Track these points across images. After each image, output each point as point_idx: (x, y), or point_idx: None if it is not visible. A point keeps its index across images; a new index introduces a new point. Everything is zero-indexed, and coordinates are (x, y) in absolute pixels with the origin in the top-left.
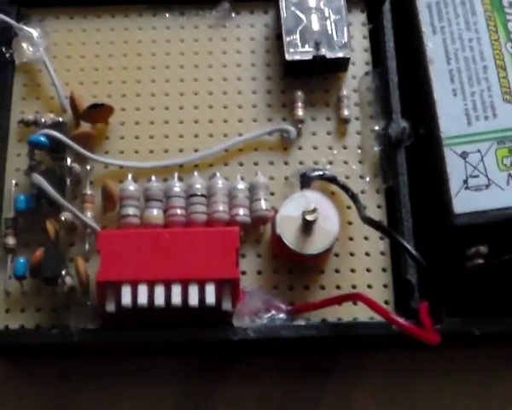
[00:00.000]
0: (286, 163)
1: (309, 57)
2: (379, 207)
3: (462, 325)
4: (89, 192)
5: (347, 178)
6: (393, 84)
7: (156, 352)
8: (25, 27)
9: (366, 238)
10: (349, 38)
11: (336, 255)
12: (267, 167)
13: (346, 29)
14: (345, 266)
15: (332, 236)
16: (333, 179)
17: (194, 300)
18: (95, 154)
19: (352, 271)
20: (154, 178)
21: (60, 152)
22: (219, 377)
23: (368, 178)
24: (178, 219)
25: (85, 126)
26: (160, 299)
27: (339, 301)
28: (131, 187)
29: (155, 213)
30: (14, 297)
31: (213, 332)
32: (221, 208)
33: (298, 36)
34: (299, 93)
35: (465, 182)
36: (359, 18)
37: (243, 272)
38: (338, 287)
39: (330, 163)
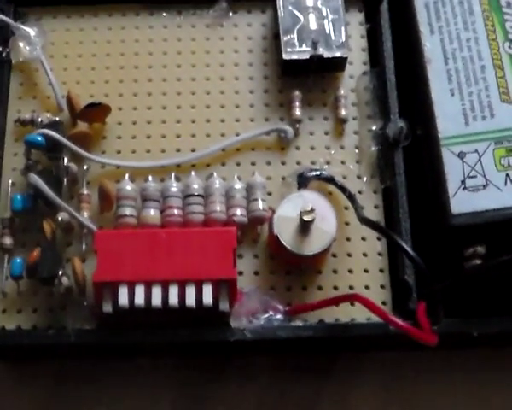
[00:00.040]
0: (283, 163)
1: (306, 57)
2: (376, 207)
3: (459, 325)
4: (85, 192)
5: (345, 178)
6: (391, 84)
7: (153, 353)
8: (22, 26)
9: (363, 239)
10: (347, 37)
11: (334, 256)
12: (264, 167)
13: (343, 28)
14: (342, 267)
15: (329, 236)
16: (330, 179)
17: (191, 300)
18: (92, 153)
19: (350, 271)
20: (151, 178)
21: (56, 152)
22: (216, 377)
23: (365, 179)
24: (175, 220)
25: (82, 126)
26: (157, 299)
27: (336, 301)
28: (128, 187)
29: (152, 213)
30: (11, 298)
31: (210, 333)
32: (218, 208)
33: (295, 35)
34: (297, 93)
35: (463, 182)
36: (357, 17)
37: (240, 273)
38: (335, 288)
39: (328, 163)
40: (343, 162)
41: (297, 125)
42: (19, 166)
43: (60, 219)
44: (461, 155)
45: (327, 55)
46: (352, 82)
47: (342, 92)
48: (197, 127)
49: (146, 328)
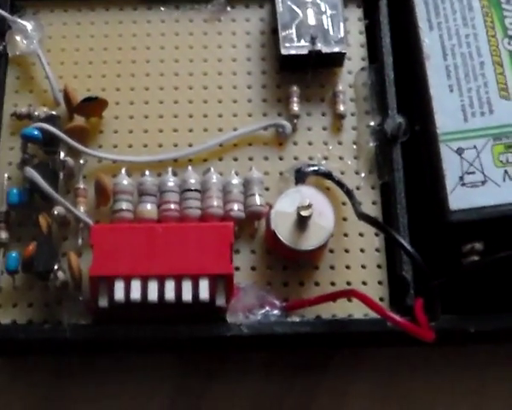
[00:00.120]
0: (281, 158)
1: (305, 52)
2: (374, 203)
3: (457, 322)
4: (82, 186)
5: (342, 173)
6: (389, 80)
7: (149, 348)
8: (19, 20)
9: (361, 234)
10: (345, 33)
11: (331, 251)
12: (262, 162)
13: (342, 24)
14: (340, 263)
15: (327, 232)
16: (328, 175)
17: (187, 295)
18: (88, 148)
19: (347, 267)
20: (147, 172)
21: (53, 146)
22: (213, 373)
23: (363, 174)
24: (172, 214)
25: (79, 120)
26: (153, 294)
27: (333, 297)
28: (125, 181)
29: (149, 207)
30: (6, 292)
31: (207, 328)
32: (215, 203)
33: (294, 30)
34: (295, 88)
35: (461, 178)
36: (355, 13)
37: (237, 268)
38: (333, 283)
39: (325, 158)
40: (341, 158)
41: (295, 121)
42: (15, 160)
43: (56, 213)
44: (459, 151)
45: (325, 50)
46: (351, 78)
47: (340, 88)
48: (194, 122)
49: (142, 323)
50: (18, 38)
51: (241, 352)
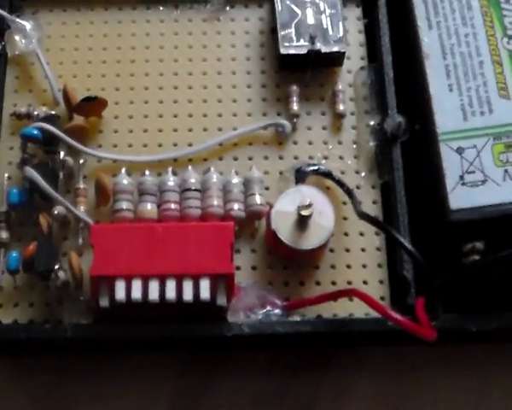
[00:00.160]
0: (281, 158)
1: (304, 51)
2: (374, 202)
3: (458, 321)
4: (82, 186)
5: (343, 173)
6: (389, 79)
7: (150, 348)
8: (18, 20)
9: (362, 234)
10: (344, 32)
11: (331, 251)
12: (262, 162)
13: (341, 23)
14: (340, 262)
15: (327, 231)
16: (328, 174)
17: (188, 295)
18: (88, 147)
19: (348, 266)
20: (147, 172)
21: (53, 145)
22: (214, 373)
23: (363, 174)
24: (172, 214)
25: (79, 120)
26: (154, 294)
27: (334, 296)
28: (125, 181)
29: (149, 207)
30: (7, 292)
31: (208, 328)
32: (215, 203)
33: (293, 30)
34: (294, 87)
35: (461, 178)
36: (355, 12)
37: (238, 268)
38: (333, 283)
39: (325, 158)
40: (341, 157)
41: (295, 120)
42: (15, 159)
43: (56, 213)
44: (459, 151)
45: (324, 49)
46: (350, 77)
47: (340, 87)
48: (194, 122)
49: (143, 323)
50: (17, 37)
51: (242, 351)
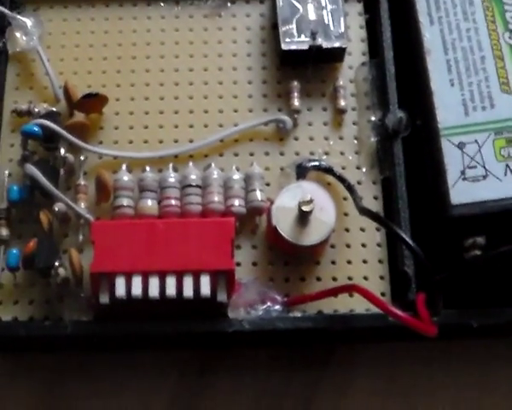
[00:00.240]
0: (282, 154)
1: (305, 47)
2: (375, 198)
3: (459, 316)
4: (82, 183)
5: (344, 168)
6: (390, 75)
7: (150, 344)
8: (18, 16)
9: (362, 229)
10: (346, 27)
11: (332, 247)
12: (263, 158)
13: (342, 19)
14: (341, 258)
15: (328, 227)
16: (329, 170)
17: (188, 291)
18: (89, 144)
19: (349, 262)
20: (148, 168)
21: (53, 142)
22: (215, 369)
23: (364, 169)
24: (173, 210)
25: (79, 116)
26: (154, 290)
27: (335, 292)
28: (126, 177)
29: (150, 203)
30: (7, 289)
31: (208, 324)
32: (216, 199)
33: (294, 25)
34: (295, 83)
35: (462, 173)
36: (356, 8)
37: (238, 264)
38: (334, 279)
39: (326, 154)
40: (342, 153)
41: (296, 116)
42: (15, 156)
43: (56, 209)
44: (460, 146)
45: (326, 45)
46: (351, 72)
47: (341, 83)
48: (195, 118)
49: (143, 320)
50: (18, 34)
51: (243, 347)
